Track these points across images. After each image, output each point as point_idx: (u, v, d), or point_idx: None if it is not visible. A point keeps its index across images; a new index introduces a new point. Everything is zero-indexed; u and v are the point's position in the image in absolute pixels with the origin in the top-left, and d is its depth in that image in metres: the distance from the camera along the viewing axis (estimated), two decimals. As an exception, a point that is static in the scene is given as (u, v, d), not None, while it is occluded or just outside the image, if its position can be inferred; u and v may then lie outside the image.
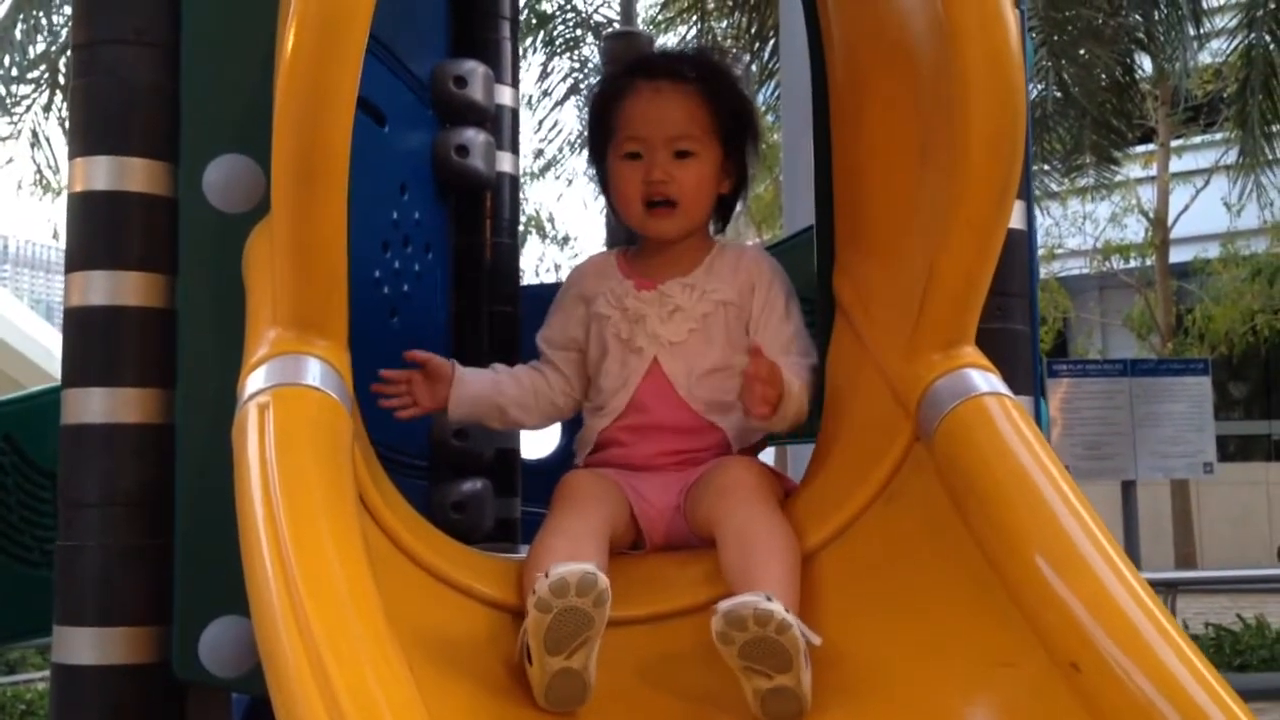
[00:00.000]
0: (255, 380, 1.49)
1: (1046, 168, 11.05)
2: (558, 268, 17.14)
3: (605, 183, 2.11)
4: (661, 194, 2.00)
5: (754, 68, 10.00)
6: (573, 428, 2.19)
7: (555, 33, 11.26)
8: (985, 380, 1.69)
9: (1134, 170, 14.54)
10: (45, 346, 11.90)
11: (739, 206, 2.18)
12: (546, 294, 2.29)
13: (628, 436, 1.98)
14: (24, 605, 2.56)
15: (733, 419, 1.96)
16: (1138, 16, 10.50)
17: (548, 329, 2.11)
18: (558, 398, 2.07)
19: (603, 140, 2.09)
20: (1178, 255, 15.80)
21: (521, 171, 3.07)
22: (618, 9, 10.47)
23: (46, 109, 10.41)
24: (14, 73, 10.22)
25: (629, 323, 1.99)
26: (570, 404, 2.09)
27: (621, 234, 2.25)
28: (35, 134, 10.60)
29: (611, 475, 1.93)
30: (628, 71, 2.11)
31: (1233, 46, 11.24)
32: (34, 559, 2.59)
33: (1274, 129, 10.86)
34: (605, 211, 2.11)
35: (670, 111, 2.02)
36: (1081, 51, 10.18)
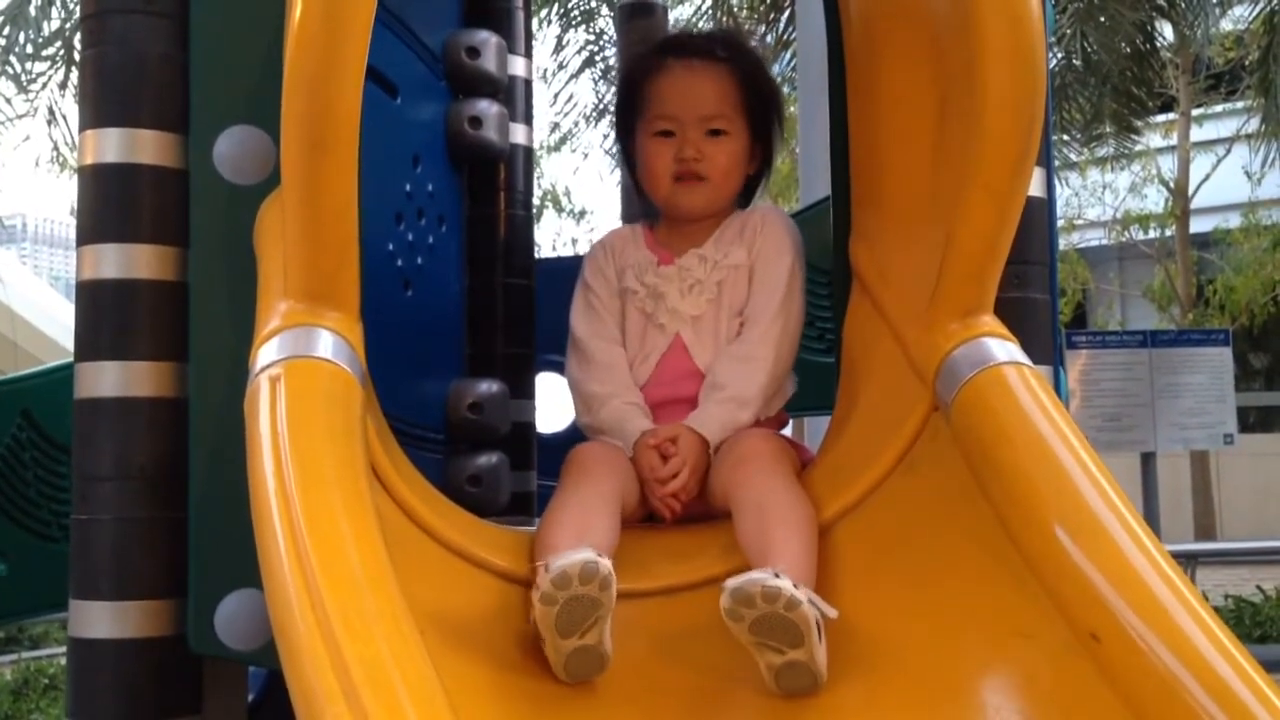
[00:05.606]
0: (267, 353, 1.49)
1: (1066, 138, 10.94)
2: (574, 242, 17.10)
3: (631, 160, 2.11)
4: (693, 171, 2.01)
5: (770, 38, 9.92)
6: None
7: (570, 5, 11.18)
8: (1004, 349, 1.67)
9: (1154, 139, 14.38)
10: (63, 323, 11.94)
11: (760, 186, 2.18)
12: (562, 268, 2.27)
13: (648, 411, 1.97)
14: (43, 579, 2.57)
15: None
16: (1159, -19, 10.37)
17: (601, 300, 2.05)
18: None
19: (631, 117, 2.09)
20: (1198, 225, 15.65)
21: (537, 145, 3.05)
22: (633, -20, 10.35)
23: (62, 86, 10.39)
24: (29, 50, 10.20)
25: (652, 298, 2.01)
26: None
27: (638, 209, 2.23)
28: (51, 111, 10.59)
29: (622, 446, 1.92)
30: (659, 50, 2.11)
31: (1255, 13, 11.09)
32: (52, 534, 2.60)
33: (1296, 97, 10.70)
34: (621, 185, 2.09)
35: (704, 89, 2.03)
36: (1102, 18, 10.05)
